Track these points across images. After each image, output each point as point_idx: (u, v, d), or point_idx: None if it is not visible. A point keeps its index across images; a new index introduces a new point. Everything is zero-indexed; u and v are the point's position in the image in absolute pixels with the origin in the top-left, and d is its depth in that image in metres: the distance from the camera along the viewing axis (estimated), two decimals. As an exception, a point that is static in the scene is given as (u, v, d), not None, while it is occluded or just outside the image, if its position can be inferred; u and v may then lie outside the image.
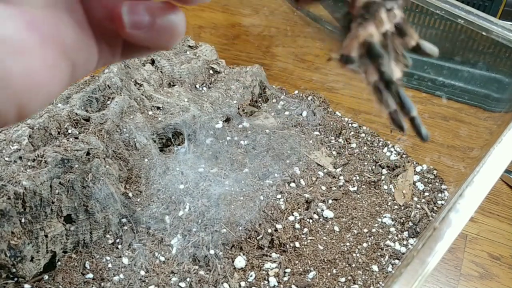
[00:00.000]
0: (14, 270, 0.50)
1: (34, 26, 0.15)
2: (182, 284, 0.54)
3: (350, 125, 0.75)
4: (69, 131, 0.58)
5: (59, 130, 0.58)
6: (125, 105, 0.64)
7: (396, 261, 0.58)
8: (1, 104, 0.15)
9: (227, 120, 0.72)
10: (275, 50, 0.87)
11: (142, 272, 0.54)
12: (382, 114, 0.21)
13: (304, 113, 0.75)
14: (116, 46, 0.20)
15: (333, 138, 0.73)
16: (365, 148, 0.72)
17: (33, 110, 0.16)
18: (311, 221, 0.62)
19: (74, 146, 0.54)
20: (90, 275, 0.53)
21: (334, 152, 0.71)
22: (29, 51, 0.15)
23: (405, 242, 0.60)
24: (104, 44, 0.20)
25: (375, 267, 0.58)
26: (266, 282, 0.56)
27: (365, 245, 0.60)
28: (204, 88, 0.76)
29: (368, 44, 0.19)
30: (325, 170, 0.68)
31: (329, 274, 0.57)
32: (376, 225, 0.62)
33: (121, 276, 0.54)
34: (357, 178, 0.68)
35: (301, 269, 0.57)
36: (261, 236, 0.59)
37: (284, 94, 0.80)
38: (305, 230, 0.61)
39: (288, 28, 0.85)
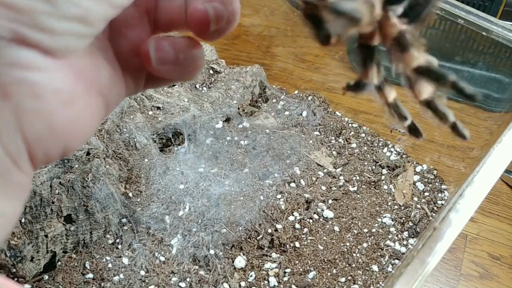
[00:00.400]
0: (14, 270, 0.50)
1: (80, 76, 0.17)
2: (182, 284, 0.54)
3: (350, 125, 0.75)
4: (69, 131, 0.58)
5: (59, 130, 0.58)
6: (125, 105, 0.64)
7: (396, 261, 0.58)
8: (49, 148, 0.16)
9: (227, 120, 0.72)
10: (275, 50, 0.87)
11: (142, 272, 0.54)
12: (401, 127, 0.22)
13: (304, 113, 0.75)
14: (140, 78, 0.21)
15: (333, 138, 0.73)
16: (365, 148, 0.72)
17: (75, 148, 0.18)
18: (311, 221, 0.62)
19: (74, 146, 0.54)
20: (90, 275, 0.53)
21: (334, 152, 0.71)
22: (76, 100, 0.16)
23: (405, 242, 0.60)
24: (130, 78, 0.21)
25: (375, 267, 0.58)
26: (266, 282, 0.56)
27: (365, 245, 0.60)
28: (204, 88, 0.76)
29: (424, 69, 0.19)
30: (325, 170, 0.68)
31: (329, 274, 0.57)
32: (376, 225, 0.62)
33: (121, 276, 0.54)
34: (357, 178, 0.68)
35: (301, 269, 0.57)
36: (261, 236, 0.59)
37: (284, 94, 0.80)
38: (305, 230, 0.61)
39: (288, 28, 0.85)
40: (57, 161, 0.52)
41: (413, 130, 0.23)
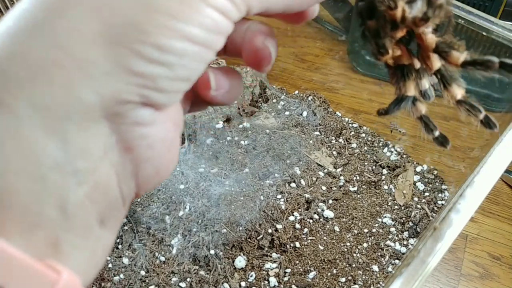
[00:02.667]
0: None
1: (176, 124, 0.19)
2: (182, 284, 0.54)
3: (350, 125, 0.75)
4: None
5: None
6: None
7: (397, 261, 0.58)
8: (150, 188, 0.19)
9: (228, 120, 0.72)
10: (276, 50, 0.87)
11: (142, 272, 0.54)
12: (431, 138, 0.24)
13: (305, 113, 0.75)
14: (187, 105, 0.23)
15: (333, 138, 0.73)
16: (365, 148, 0.72)
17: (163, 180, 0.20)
18: (311, 221, 0.62)
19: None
20: (91, 275, 0.53)
21: (334, 152, 0.71)
22: (174, 143, 0.19)
23: (405, 242, 0.60)
24: (185, 105, 0.23)
25: (375, 267, 0.58)
26: (266, 282, 0.56)
27: (365, 245, 0.60)
28: (205, 88, 0.76)
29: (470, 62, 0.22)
30: (326, 170, 0.68)
31: (329, 274, 0.57)
32: (377, 225, 0.62)
33: (121, 276, 0.54)
34: (358, 178, 0.68)
35: (301, 269, 0.57)
36: (261, 236, 0.59)
37: (285, 94, 0.80)
38: (306, 230, 0.61)
39: (288, 28, 0.85)
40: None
41: (441, 141, 0.25)
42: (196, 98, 0.22)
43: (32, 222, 0.15)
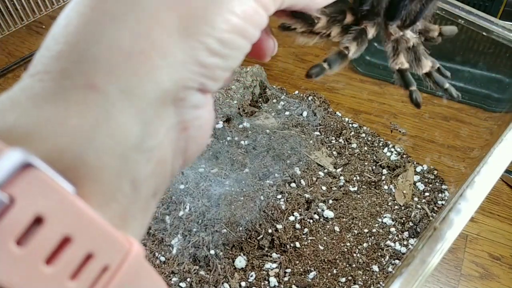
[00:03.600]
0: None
1: (213, 103, 0.21)
2: (183, 284, 0.54)
3: (350, 125, 0.75)
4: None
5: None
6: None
7: (397, 261, 0.58)
8: (189, 161, 0.20)
9: (228, 120, 0.72)
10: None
11: (143, 272, 0.54)
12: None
13: (305, 113, 0.75)
14: None
15: (333, 138, 0.73)
16: (365, 148, 0.72)
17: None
18: (311, 221, 0.62)
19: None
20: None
21: (334, 152, 0.71)
22: (212, 123, 0.21)
23: (405, 242, 0.60)
24: None
25: (375, 267, 0.58)
26: (266, 282, 0.56)
27: (365, 245, 0.60)
28: (205, 88, 0.76)
29: (400, 71, 0.26)
30: (326, 170, 0.68)
31: (329, 274, 0.57)
32: (377, 225, 0.62)
33: (122, 276, 0.54)
34: (358, 178, 0.68)
35: (301, 269, 0.57)
36: (261, 236, 0.59)
37: (285, 94, 0.80)
38: (306, 230, 0.61)
39: (288, 28, 0.85)
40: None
41: (414, 98, 0.27)
42: None
43: (110, 195, 0.16)
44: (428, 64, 0.27)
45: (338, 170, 0.69)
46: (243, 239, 0.58)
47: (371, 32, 0.26)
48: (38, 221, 0.14)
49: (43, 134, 0.15)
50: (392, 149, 0.72)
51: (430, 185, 0.67)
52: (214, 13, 0.17)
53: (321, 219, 0.62)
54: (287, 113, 0.76)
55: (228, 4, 0.18)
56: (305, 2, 0.22)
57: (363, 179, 0.67)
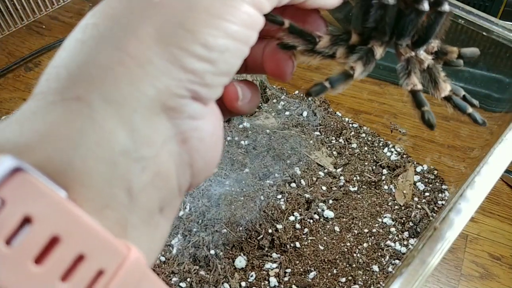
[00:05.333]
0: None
1: (219, 119, 0.21)
2: (183, 284, 0.54)
3: (350, 125, 0.75)
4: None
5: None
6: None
7: (397, 261, 0.58)
8: (200, 180, 0.21)
9: (228, 120, 0.72)
10: (276, 50, 0.87)
11: (143, 272, 0.54)
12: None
13: (305, 113, 0.75)
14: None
15: (333, 138, 0.73)
16: (365, 148, 0.72)
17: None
18: (311, 221, 0.62)
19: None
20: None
21: (334, 152, 0.71)
22: (220, 137, 0.21)
23: (405, 242, 0.60)
24: None
25: (375, 267, 0.58)
26: (266, 282, 0.56)
27: (365, 245, 0.60)
28: (205, 88, 0.76)
29: (413, 92, 0.24)
30: (326, 170, 0.68)
31: (329, 274, 0.57)
32: (377, 225, 0.62)
33: (122, 276, 0.54)
34: (358, 178, 0.68)
35: (301, 269, 0.57)
36: (261, 236, 0.59)
37: (285, 94, 0.80)
38: (306, 230, 0.61)
39: (288, 28, 0.85)
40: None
41: (425, 121, 0.25)
42: (221, 109, 0.24)
43: (103, 202, 0.16)
44: (447, 88, 0.25)
45: (338, 170, 0.69)
46: (243, 239, 0.58)
47: (379, 52, 0.25)
48: (27, 221, 0.15)
49: (32, 145, 0.16)
50: (392, 149, 0.72)
51: (430, 185, 0.67)
52: (193, 18, 0.17)
53: (321, 219, 0.62)
54: (287, 113, 0.76)
55: (209, 7, 0.18)
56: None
57: (363, 179, 0.67)
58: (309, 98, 0.78)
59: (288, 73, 0.24)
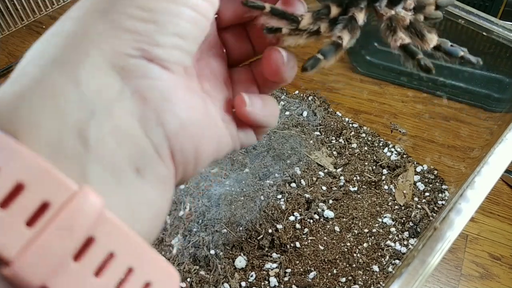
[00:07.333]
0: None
1: (203, 99, 0.22)
2: (183, 284, 0.54)
3: (350, 125, 0.75)
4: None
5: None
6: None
7: (397, 261, 0.58)
8: (184, 146, 0.21)
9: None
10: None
11: (143, 272, 0.54)
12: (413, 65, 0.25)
13: (305, 113, 0.75)
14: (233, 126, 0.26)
15: (333, 138, 0.73)
16: (365, 148, 0.72)
17: (205, 158, 0.22)
18: (311, 221, 0.62)
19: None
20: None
21: (334, 152, 0.71)
22: (196, 108, 0.21)
23: (405, 242, 0.60)
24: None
25: (375, 267, 0.58)
26: (266, 282, 0.56)
27: (365, 245, 0.60)
28: (205, 88, 0.76)
29: (403, 47, 0.25)
30: (326, 170, 0.68)
31: (329, 274, 0.57)
32: (377, 225, 0.62)
33: (122, 276, 0.54)
34: (358, 178, 0.68)
35: (301, 269, 0.57)
36: (261, 236, 0.59)
37: (285, 94, 0.80)
38: (306, 230, 0.61)
39: (288, 28, 0.85)
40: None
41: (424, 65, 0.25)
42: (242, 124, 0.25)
43: (54, 149, 0.17)
44: (434, 37, 0.25)
45: (338, 170, 0.69)
46: (243, 239, 0.58)
47: (361, 17, 0.25)
48: None
49: None
50: (392, 149, 0.72)
51: (430, 185, 0.67)
52: None
53: (321, 219, 0.62)
54: (287, 113, 0.76)
55: None
56: None
57: (363, 179, 0.67)
58: (309, 98, 0.78)
59: (276, 66, 0.24)
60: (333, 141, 0.73)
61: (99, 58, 0.18)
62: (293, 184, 0.66)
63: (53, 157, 0.17)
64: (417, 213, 0.62)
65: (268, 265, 0.57)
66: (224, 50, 0.27)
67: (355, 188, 0.66)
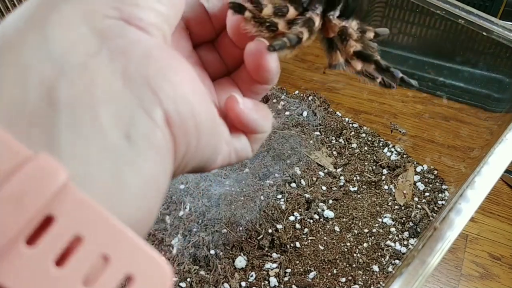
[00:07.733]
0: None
1: (176, 56, 0.20)
2: (183, 284, 0.54)
3: (350, 125, 0.75)
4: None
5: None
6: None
7: (397, 261, 0.58)
8: (179, 108, 0.19)
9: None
10: (276, 50, 0.87)
11: (143, 272, 0.54)
12: (375, 85, 0.27)
13: (305, 113, 0.75)
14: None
15: (333, 138, 0.73)
16: (365, 148, 0.72)
17: (205, 128, 0.20)
18: (311, 221, 0.62)
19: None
20: (91, 275, 0.53)
21: (334, 152, 0.71)
22: (180, 70, 0.20)
23: (405, 242, 0.60)
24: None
25: (375, 267, 0.58)
26: (266, 282, 0.56)
27: (365, 245, 0.60)
28: (205, 88, 0.76)
29: (358, 52, 0.26)
30: (326, 170, 0.68)
31: (329, 274, 0.57)
32: (377, 225, 0.62)
33: (122, 276, 0.54)
34: (358, 178, 0.68)
35: (301, 269, 0.57)
36: (261, 236, 0.59)
37: (285, 94, 0.80)
38: (306, 230, 0.61)
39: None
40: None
41: (387, 83, 0.27)
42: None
43: (18, 113, 0.15)
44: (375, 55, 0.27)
45: (338, 170, 0.69)
46: (243, 239, 0.58)
47: (317, 21, 0.26)
48: None
49: None
50: (392, 149, 0.72)
51: (430, 185, 0.67)
52: None
53: (321, 219, 0.62)
54: (287, 113, 0.76)
55: None
56: None
57: (363, 179, 0.67)
58: (309, 98, 0.78)
59: (263, 51, 0.24)
60: (333, 141, 0.73)
61: (72, 15, 0.17)
62: (293, 184, 0.66)
63: (14, 119, 0.15)
64: (417, 213, 0.62)
65: (268, 265, 0.57)
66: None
67: (355, 188, 0.66)
